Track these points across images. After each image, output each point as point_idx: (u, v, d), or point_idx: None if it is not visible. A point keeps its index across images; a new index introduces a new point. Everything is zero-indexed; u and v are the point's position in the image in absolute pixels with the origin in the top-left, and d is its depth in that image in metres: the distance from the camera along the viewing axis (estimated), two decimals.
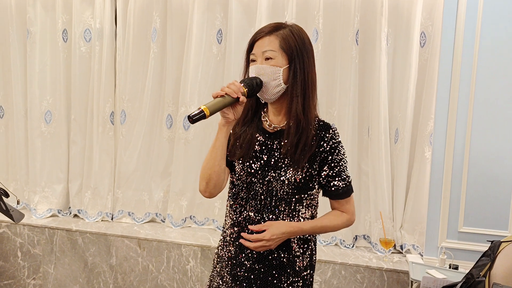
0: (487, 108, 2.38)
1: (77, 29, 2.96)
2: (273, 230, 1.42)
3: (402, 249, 2.70)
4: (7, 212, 1.97)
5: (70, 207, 3.15)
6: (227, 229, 1.56)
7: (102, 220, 3.06)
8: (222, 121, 1.40)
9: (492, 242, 1.87)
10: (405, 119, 2.61)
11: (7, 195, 2.07)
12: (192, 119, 1.30)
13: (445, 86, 2.42)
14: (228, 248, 1.54)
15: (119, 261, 2.87)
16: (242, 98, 1.37)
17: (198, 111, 1.31)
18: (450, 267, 2.33)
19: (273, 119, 1.51)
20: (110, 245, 2.87)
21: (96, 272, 2.90)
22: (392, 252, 2.69)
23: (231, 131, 1.53)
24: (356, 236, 2.79)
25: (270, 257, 1.48)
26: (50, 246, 2.95)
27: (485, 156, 2.40)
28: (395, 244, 2.69)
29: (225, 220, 1.59)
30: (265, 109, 1.54)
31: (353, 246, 2.77)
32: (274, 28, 1.43)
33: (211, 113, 1.32)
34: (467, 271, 1.94)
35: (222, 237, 1.59)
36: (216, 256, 1.61)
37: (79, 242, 2.91)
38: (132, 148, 3.01)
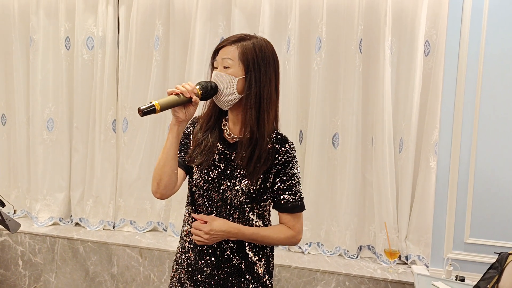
0: (492, 117, 2.35)
1: (79, 37, 2.96)
2: (213, 226, 1.44)
3: (407, 260, 2.66)
4: (3, 221, 1.95)
5: (71, 215, 3.13)
6: (185, 236, 1.57)
7: (103, 229, 3.04)
8: (173, 121, 1.40)
9: (499, 254, 1.84)
10: (410, 128, 2.58)
11: (3, 205, 2.05)
12: (142, 111, 1.30)
13: (450, 95, 2.39)
14: (187, 255, 1.55)
15: (120, 270, 2.84)
16: (195, 99, 1.38)
17: (149, 104, 1.31)
18: (456, 279, 2.29)
19: (232, 129, 1.53)
20: (112, 254, 2.84)
21: (97, 281, 2.87)
22: (397, 263, 2.65)
23: (191, 136, 1.55)
24: (360, 246, 2.76)
25: (228, 264, 1.50)
26: (51, 254, 2.93)
27: (491, 166, 2.37)
28: (400, 255, 2.66)
29: (183, 227, 1.59)
30: (226, 117, 1.55)
31: (357, 257, 2.73)
32: (238, 39, 1.46)
33: (162, 109, 1.32)
34: (474, 283, 1.91)
35: (180, 244, 1.60)
36: (174, 263, 1.62)
37: (80, 251, 2.89)
38: (134, 157, 2.99)
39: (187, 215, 1.58)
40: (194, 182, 1.52)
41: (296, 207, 1.51)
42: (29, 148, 3.10)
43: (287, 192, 1.50)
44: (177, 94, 1.36)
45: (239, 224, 1.49)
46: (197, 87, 1.40)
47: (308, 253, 2.77)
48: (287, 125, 2.69)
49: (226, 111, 1.54)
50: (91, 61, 3.00)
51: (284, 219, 1.53)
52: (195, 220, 1.49)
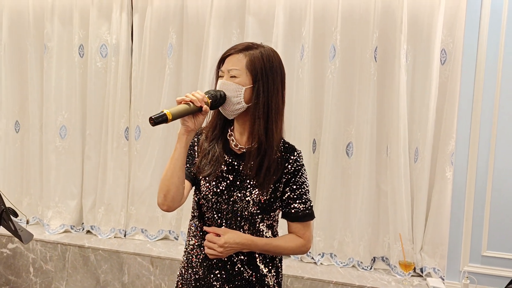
0: (511, 127, 2.30)
1: (93, 45, 2.97)
2: (227, 238, 1.42)
3: (422, 272, 2.60)
4: (15, 232, 1.93)
5: (83, 223, 3.13)
6: (191, 250, 1.53)
7: (115, 237, 3.03)
8: (182, 130, 1.38)
9: None
10: (425, 138, 2.54)
11: (16, 215, 2.04)
12: (154, 121, 1.28)
13: (467, 104, 2.35)
14: (194, 270, 1.51)
15: (131, 279, 2.82)
16: (205, 108, 1.36)
17: (161, 113, 1.29)
18: None
19: (239, 139, 1.50)
20: (123, 263, 2.82)
21: None
22: (411, 275, 2.60)
23: (196, 147, 1.53)
24: (374, 257, 2.71)
25: (239, 277, 1.48)
26: (62, 262, 2.92)
27: (509, 176, 2.32)
28: (415, 267, 2.60)
29: (189, 241, 1.56)
30: (232, 127, 1.53)
31: (371, 268, 2.68)
32: (245, 48, 1.44)
33: (174, 118, 1.30)
34: None
35: (185, 258, 1.56)
36: (179, 278, 1.57)
37: (91, 259, 2.87)
38: (146, 164, 2.98)
39: (193, 228, 1.54)
40: (202, 194, 1.49)
41: (306, 215, 1.49)
42: (42, 155, 3.11)
43: (297, 201, 1.48)
44: (187, 102, 1.34)
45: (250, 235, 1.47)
46: (207, 96, 1.38)
47: (321, 263, 2.73)
48: (300, 134, 2.66)
49: (231, 121, 1.52)
50: (104, 69, 3.01)
51: (294, 228, 1.51)
52: (205, 233, 1.47)
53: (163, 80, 2.92)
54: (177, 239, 3.00)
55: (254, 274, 1.49)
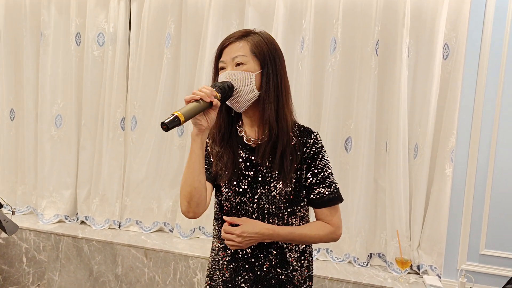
0: None
1: (90, 33, 2.92)
2: (246, 228, 1.33)
3: (419, 270, 2.58)
4: None
5: (77, 213, 3.09)
6: (217, 252, 1.48)
7: (109, 228, 3.00)
8: (195, 131, 1.29)
9: None
10: (425, 134, 2.50)
11: (0, 206, 2.00)
12: (167, 126, 1.17)
13: (469, 101, 2.31)
14: (221, 272, 1.47)
15: (125, 271, 2.79)
16: (216, 102, 1.27)
17: (172, 117, 1.19)
18: None
19: (250, 133, 1.43)
20: (116, 254, 2.79)
21: (101, 281, 2.83)
22: (408, 273, 2.57)
23: (209, 152, 1.45)
24: (370, 254, 2.68)
25: (268, 277, 1.42)
26: (56, 252, 2.89)
27: (509, 175, 2.29)
28: (411, 264, 2.57)
29: (213, 242, 1.50)
30: (239, 123, 1.45)
31: (367, 265, 2.65)
32: (244, 34, 1.37)
33: (186, 119, 1.21)
34: None
35: (212, 259, 1.52)
36: (208, 279, 1.54)
37: (85, 250, 2.84)
38: (142, 155, 2.94)
39: (217, 228, 1.48)
40: (224, 196, 1.42)
41: (332, 199, 1.40)
42: (37, 144, 3.07)
43: (321, 185, 1.39)
44: (196, 100, 1.25)
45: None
46: (214, 89, 1.29)
47: (317, 259, 2.70)
48: None
49: (237, 117, 1.44)
50: (101, 58, 2.96)
51: (321, 215, 1.42)
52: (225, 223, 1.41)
53: (161, 70, 2.88)
54: (172, 231, 2.97)
55: (284, 272, 1.42)
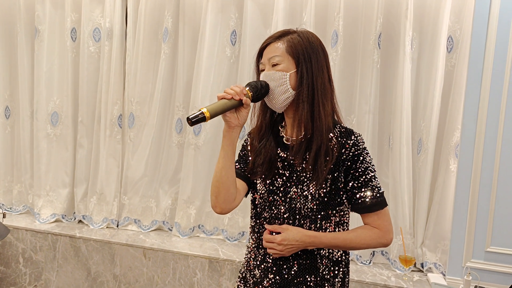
0: None
1: (86, 28, 2.86)
2: (287, 235, 1.32)
3: (423, 268, 2.53)
4: None
5: (74, 213, 3.04)
6: (250, 252, 1.47)
7: (107, 227, 2.94)
8: (225, 127, 1.32)
9: None
10: (429, 129, 2.45)
11: None
12: (191, 121, 1.21)
13: (474, 94, 2.25)
14: (252, 273, 1.45)
15: (123, 271, 2.74)
16: (245, 100, 1.29)
17: (198, 112, 1.23)
18: None
19: (290, 133, 1.41)
20: (115, 254, 2.74)
21: (99, 282, 2.78)
22: (412, 270, 2.52)
23: (247, 150, 1.46)
24: (373, 252, 2.63)
25: (295, 281, 1.37)
26: (53, 252, 2.84)
27: None
28: (415, 262, 2.52)
29: (249, 241, 1.50)
30: (283, 123, 1.45)
31: (370, 263, 2.60)
32: (282, 34, 1.39)
33: (212, 116, 1.24)
34: None
35: (245, 259, 1.50)
36: (240, 278, 1.52)
37: (82, 250, 2.79)
38: (140, 153, 2.89)
39: (250, 229, 1.48)
40: (259, 194, 1.42)
41: (375, 204, 1.34)
42: (33, 142, 3.01)
43: (362, 189, 1.34)
44: (223, 98, 1.28)
45: None
46: (247, 88, 1.31)
47: None
48: None
49: (279, 119, 1.44)
50: (97, 54, 2.90)
51: (367, 220, 1.37)
52: (261, 233, 1.42)
53: (158, 66, 2.82)
54: (171, 230, 2.92)
55: (313, 280, 1.37)
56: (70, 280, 2.82)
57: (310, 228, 1.35)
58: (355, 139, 1.35)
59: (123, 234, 2.86)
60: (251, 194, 1.48)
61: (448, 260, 2.36)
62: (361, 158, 1.34)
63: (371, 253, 2.62)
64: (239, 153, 1.49)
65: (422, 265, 2.54)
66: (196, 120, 1.21)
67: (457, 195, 2.32)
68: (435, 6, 2.42)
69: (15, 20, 2.99)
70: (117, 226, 2.96)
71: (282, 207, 1.37)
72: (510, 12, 2.17)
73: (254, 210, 1.45)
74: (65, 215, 3.02)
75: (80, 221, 3.03)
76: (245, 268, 1.50)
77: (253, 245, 1.46)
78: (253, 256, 1.46)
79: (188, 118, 1.22)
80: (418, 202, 2.51)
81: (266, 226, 1.39)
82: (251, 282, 1.46)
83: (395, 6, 2.45)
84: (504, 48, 2.19)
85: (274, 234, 1.36)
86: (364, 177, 1.34)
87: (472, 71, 2.25)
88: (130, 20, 2.85)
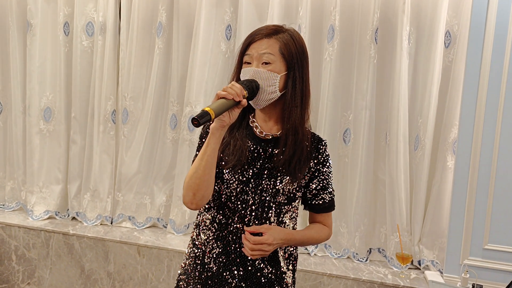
0: None
1: (79, 22, 2.82)
2: (274, 234, 1.34)
3: (420, 265, 2.51)
4: None
5: (68, 209, 3.00)
6: (204, 245, 1.42)
7: (101, 224, 2.91)
8: (216, 125, 1.27)
9: None
10: (427, 125, 2.42)
11: None
12: (199, 121, 1.17)
13: (472, 90, 2.23)
14: (206, 267, 1.40)
15: (117, 268, 2.71)
16: (244, 102, 1.26)
17: (203, 112, 1.18)
18: (473, 287, 2.14)
19: (262, 126, 1.42)
20: (108, 251, 2.71)
21: (93, 279, 2.74)
22: (409, 268, 2.50)
23: None
24: (370, 249, 2.61)
25: (258, 274, 1.39)
26: (46, 250, 2.80)
27: None
28: (412, 260, 2.50)
29: (197, 234, 1.44)
30: (252, 114, 1.45)
31: (366, 260, 2.58)
32: (274, 31, 1.34)
33: (216, 115, 1.22)
34: None
35: (193, 254, 1.44)
36: (183, 277, 1.46)
37: (76, 247, 2.76)
38: (134, 149, 2.85)
39: (208, 221, 1.42)
40: (226, 184, 1.39)
41: (332, 205, 1.48)
42: (26, 138, 2.97)
43: (324, 192, 1.45)
44: (224, 97, 1.24)
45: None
46: (243, 88, 1.28)
47: (315, 254, 2.62)
48: None
49: (248, 108, 1.41)
50: (90, 48, 2.86)
51: (320, 218, 1.49)
52: (224, 225, 1.38)
53: (152, 61, 2.78)
54: (165, 227, 2.88)
55: (274, 271, 1.41)
56: (64, 278, 2.79)
57: (274, 221, 1.39)
58: (325, 145, 1.44)
59: (117, 231, 2.83)
60: (215, 185, 1.43)
61: (445, 257, 2.33)
62: (328, 163, 1.44)
63: (367, 251, 2.60)
64: (199, 142, 1.45)
65: (419, 263, 2.52)
66: (203, 121, 1.18)
67: (454, 192, 2.30)
68: (432, 1, 2.39)
69: (7, 14, 2.94)
70: (111, 223, 2.93)
71: (251, 199, 1.37)
72: (508, 7, 2.14)
73: (218, 201, 1.41)
74: (58, 212, 2.99)
75: (73, 218, 2.99)
76: (192, 262, 1.43)
77: (211, 237, 1.41)
78: (209, 249, 1.41)
79: (194, 119, 1.17)
80: (415, 199, 2.48)
81: (246, 228, 1.35)
82: (202, 276, 1.41)
83: (392, 1, 2.42)
84: (502, 44, 2.16)
85: (257, 235, 1.34)
86: (326, 180, 1.44)
87: (470, 66, 2.22)
88: (123, 14, 2.81)
